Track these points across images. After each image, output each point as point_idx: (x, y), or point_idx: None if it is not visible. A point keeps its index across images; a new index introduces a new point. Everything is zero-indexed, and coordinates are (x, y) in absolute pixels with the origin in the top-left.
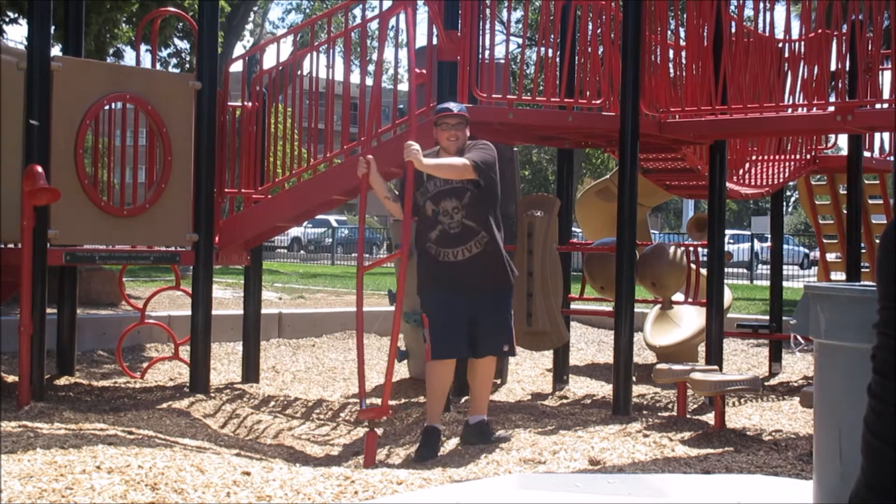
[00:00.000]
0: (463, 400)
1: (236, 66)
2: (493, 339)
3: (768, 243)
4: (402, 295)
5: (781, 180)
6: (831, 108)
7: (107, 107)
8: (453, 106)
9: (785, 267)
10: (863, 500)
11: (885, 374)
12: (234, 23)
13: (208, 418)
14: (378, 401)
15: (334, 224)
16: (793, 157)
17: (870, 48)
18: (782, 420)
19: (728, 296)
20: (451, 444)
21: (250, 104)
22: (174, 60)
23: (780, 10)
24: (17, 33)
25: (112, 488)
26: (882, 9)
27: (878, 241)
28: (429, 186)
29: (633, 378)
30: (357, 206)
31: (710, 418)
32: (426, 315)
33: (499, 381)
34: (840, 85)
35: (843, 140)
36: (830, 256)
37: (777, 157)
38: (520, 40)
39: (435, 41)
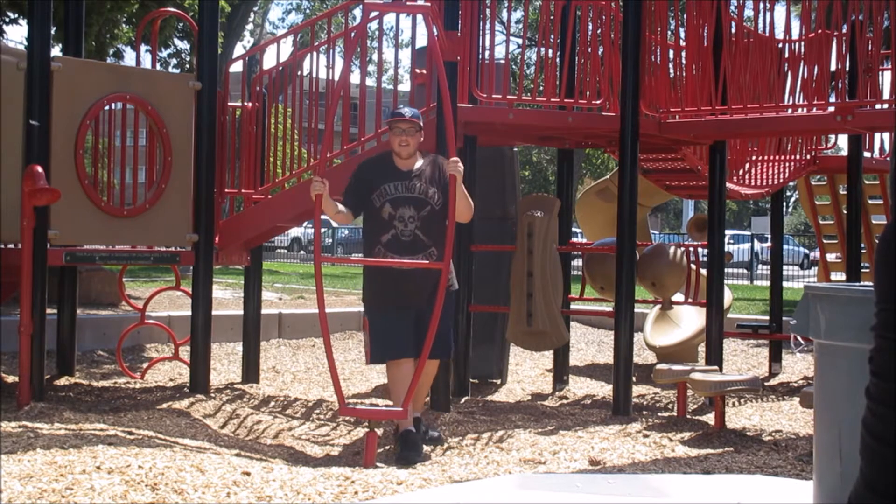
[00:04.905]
0: (463, 400)
1: (236, 67)
2: (439, 344)
3: (768, 243)
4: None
5: (781, 180)
6: (831, 109)
7: (107, 107)
8: (406, 111)
9: (785, 267)
10: (862, 501)
11: (883, 376)
12: (234, 23)
13: (208, 418)
14: (378, 401)
15: (334, 224)
16: (793, 157)
17: (870, 48)
18: (782, 420)
19: (728, 296)
20: (449, 443)
21: (250, 104)
22: (174, 60)
23: (780, 11)
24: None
25: (112, 488)
26: (882, 9)
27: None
28: (388, 189)
29: (633, 378)
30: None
31: (710, 418)
32: (367, 319)
33: (499, 382)
34: (840, 85)
35: (843, 140)
36: (830, 257)
37: (777, 157)
38: (520, 40)
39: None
